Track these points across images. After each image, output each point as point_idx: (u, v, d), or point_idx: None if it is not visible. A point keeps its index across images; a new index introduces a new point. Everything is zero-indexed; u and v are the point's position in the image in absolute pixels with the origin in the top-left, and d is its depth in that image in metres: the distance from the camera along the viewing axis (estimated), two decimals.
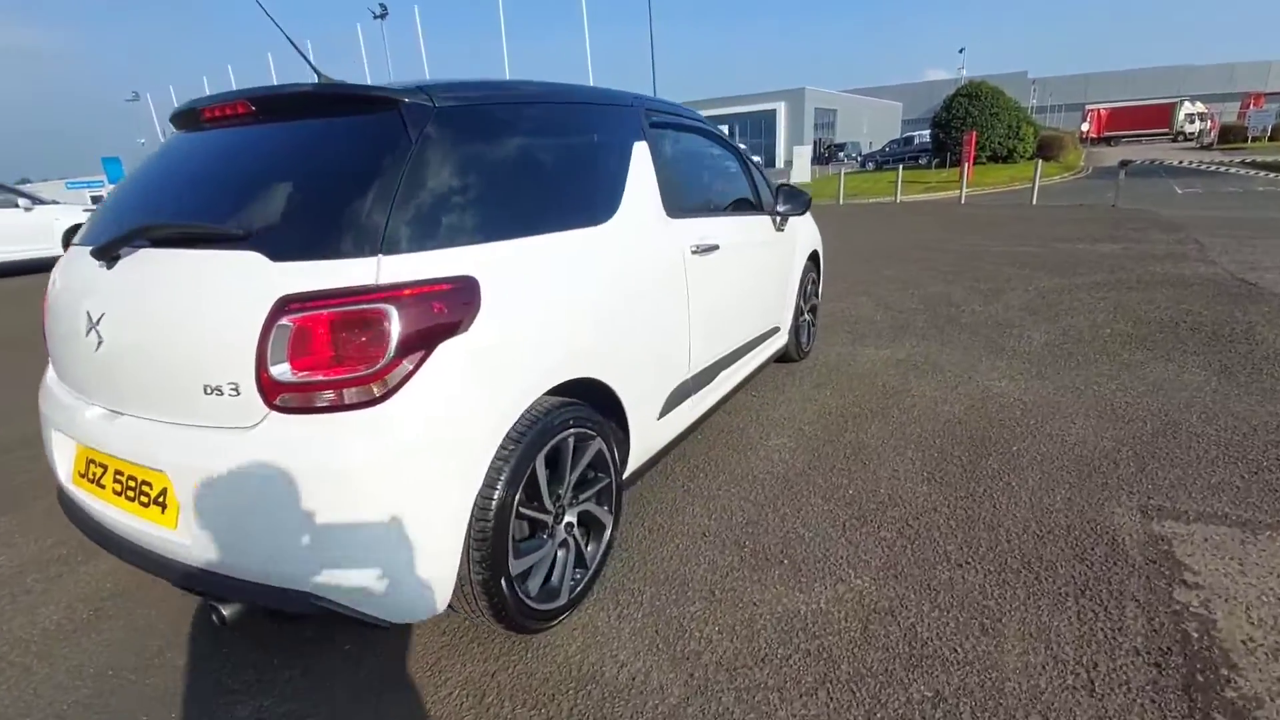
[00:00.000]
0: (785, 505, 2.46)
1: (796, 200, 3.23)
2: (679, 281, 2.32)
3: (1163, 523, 2.21)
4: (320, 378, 1.34)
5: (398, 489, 1.39)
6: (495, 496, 1.56)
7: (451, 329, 1.45)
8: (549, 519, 1.80)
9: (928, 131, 30.00)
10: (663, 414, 2.32)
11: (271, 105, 1.69)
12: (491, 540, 1.56)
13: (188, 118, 1.86)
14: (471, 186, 1.63)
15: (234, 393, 1.38)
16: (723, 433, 3.14)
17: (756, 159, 3.60)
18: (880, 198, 18.27)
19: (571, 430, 1.79)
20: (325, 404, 1.36)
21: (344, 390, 1.35)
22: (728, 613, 1.90)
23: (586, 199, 1.97)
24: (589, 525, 2.00)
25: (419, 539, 1.43)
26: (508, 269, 1.62)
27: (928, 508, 2.38)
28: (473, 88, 1.78)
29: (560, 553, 1.86)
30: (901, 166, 19.59)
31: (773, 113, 50.31)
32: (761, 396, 3.58)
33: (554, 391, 1.77)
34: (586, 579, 1.95)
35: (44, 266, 11.41)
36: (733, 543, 2.24)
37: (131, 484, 1.56)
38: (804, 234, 3.82)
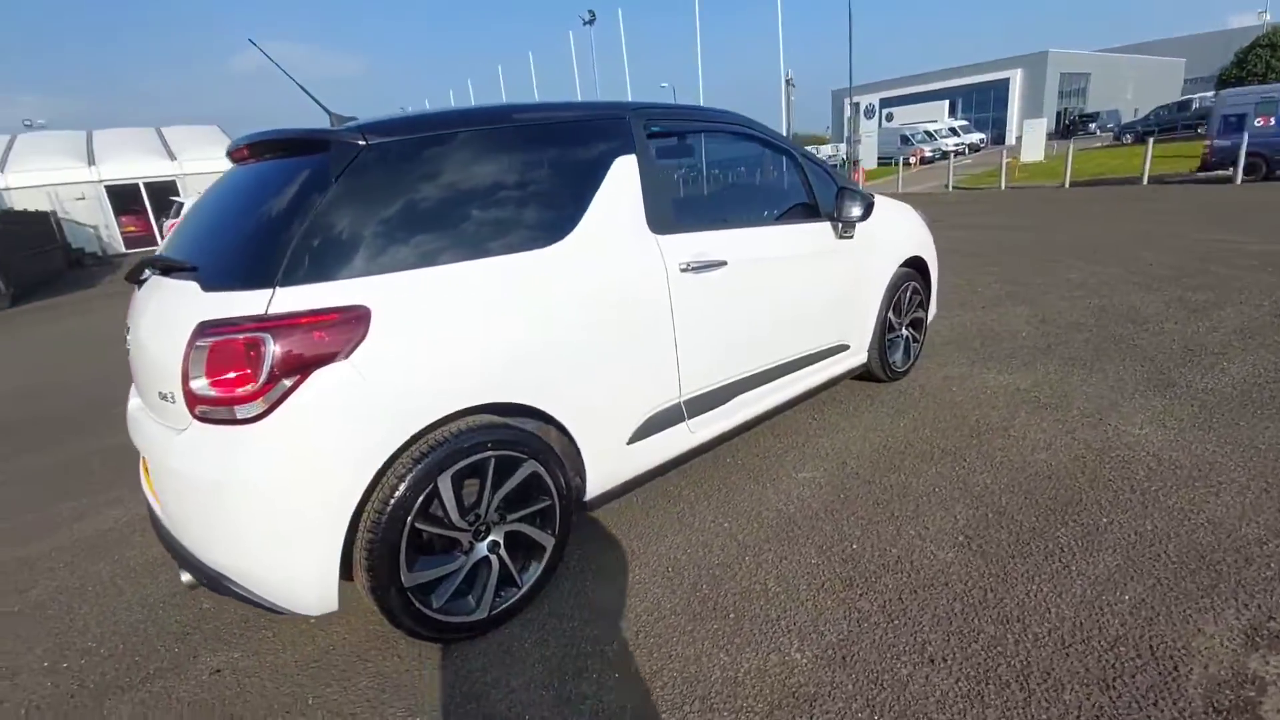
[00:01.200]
0: (771, 551, 2.22)
1: (854, 204, 2.84)
2: (659, 302, 2.19)
3: (1269, 658, 1.58)
4: (217, 394, 1.54)
5: (276, 497, 1.55)
6: (385, 511, 1.65)
7: (332, 356, 1.56)
8: (463, 536, 1.85)
9: (1211, 93, 23.87)
10: (637, 439, 2.23)
11: (256, 148, 1.94)
12: (379, 551, 1.66)
13: (229, 157, 2.22)
14: (384, 220, 1.72)
15: (173, 400, 1.64)
16: (755, 457, 2.91)
17: (822, 155, 3.22)
18: (1128, 175, 15.09)
19: (491, 453, 1.82)
20: (222, 418, 1.55)
21: (234, 407, 1.53)
22: (639, 661, 1.78)
23: (527, 223, 1.96)
24: (526, 546, 2.01)
25: (297, 542, 1.58)
26: (409, 298, 1.68)
27: (938, 581, 1.98)
28: (418, 122, 1.87)
29: (484, 570, 1.91)
30: (1151, 139, 15.92)
31: (1005, 82, 43.96)
32: (823, 419, 3.24)
33: (474, 412, 1.81)
34: (516, 598, 1.97)
35: None
36: (690, 584, 2.09)
37: (143, 459, 1.94)
38: (892, 238, 3.35)
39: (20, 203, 22.62)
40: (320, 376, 1.54)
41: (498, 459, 1.85)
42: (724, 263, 2.40)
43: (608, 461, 2.17)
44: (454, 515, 1.79)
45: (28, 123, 32.62)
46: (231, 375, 1.53)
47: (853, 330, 3.18)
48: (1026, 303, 5.06)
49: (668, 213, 2.29)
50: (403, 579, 1.71)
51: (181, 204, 13.76)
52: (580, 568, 2.23)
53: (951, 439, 2.90)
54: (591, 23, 38.20)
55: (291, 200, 1.68)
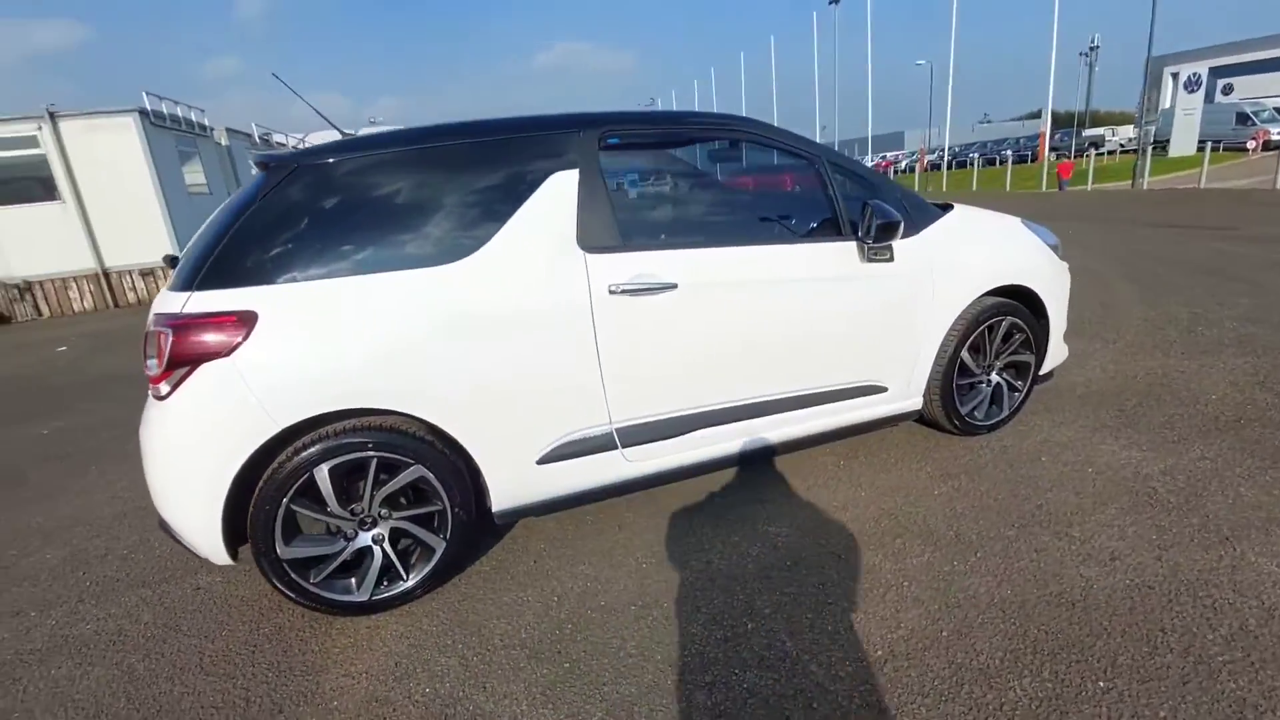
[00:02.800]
0: (659, 610, 2.02)
1: (879, 219, 2.34)
2: (578, 323, 2.11)
3: None
4: (150, 374, 1.90)
5: (175, 464, 1.88)
6: (262, 491, 1.89)
7: (219, 351, 1.82)
8: (345, 524, 2.03)
9: None
10: (551, 461, 2.19)
11: (259, 165, 2.31)
12: (258, 524, 1.91)
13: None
14: (295, 236, 1.93)
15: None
16: (733, 499, 2.63)
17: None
18: None
19: (372, 453, 1.96)
20: (154, 394, 1.92)
21: (155, 385, 1.88)
22: (452, 672, 1.80)
23: (433, 240, 2.02)
24: (416, 544, 2.13)
25: (190, 504, 1.90)
26: (297, 306, 1.88)
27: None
28: (352, 145, 2.05)
29: (367, 558, 2.07)
30: None
31: None
32: (842, 468, 2.79)
33: (352, 415, 1.97)
34: (399, 590, 2.10)
35: None
36: (559, 619, 2.01)
37: None
38: (968, 261, 2.70)
39: None
40: (207, 368, 1.82)
41: (379, 459, 1.98)
42: (673, 285, 2.20)
43: (512, 479, 2.17)
44: (333, 504, 1.98)
45: (372, 120, 41.65)
46: (153, 361, 1.88)
47: (893, 369, 2.66)
48: (1258, 354, 3.68)
49: (609, 230, 2.17)
50: (278, 551, 1.94)
51: None
52: (480, 579, 2.28)
53: (984, 523, 2.30)
54: (836, 1, 36.03)
55: (229, 214, 1.98)
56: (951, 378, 2.78)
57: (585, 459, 2.24)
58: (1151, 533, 2.15)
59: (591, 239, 2.14)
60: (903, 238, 2.53)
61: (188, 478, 1.88)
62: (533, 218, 2.10)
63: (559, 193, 2.13)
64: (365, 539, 2.07)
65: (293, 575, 1.99)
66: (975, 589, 1.96)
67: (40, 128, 10.24)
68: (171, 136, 11.67)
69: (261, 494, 1.89)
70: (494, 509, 2.20)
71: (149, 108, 10.93)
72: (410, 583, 2.12)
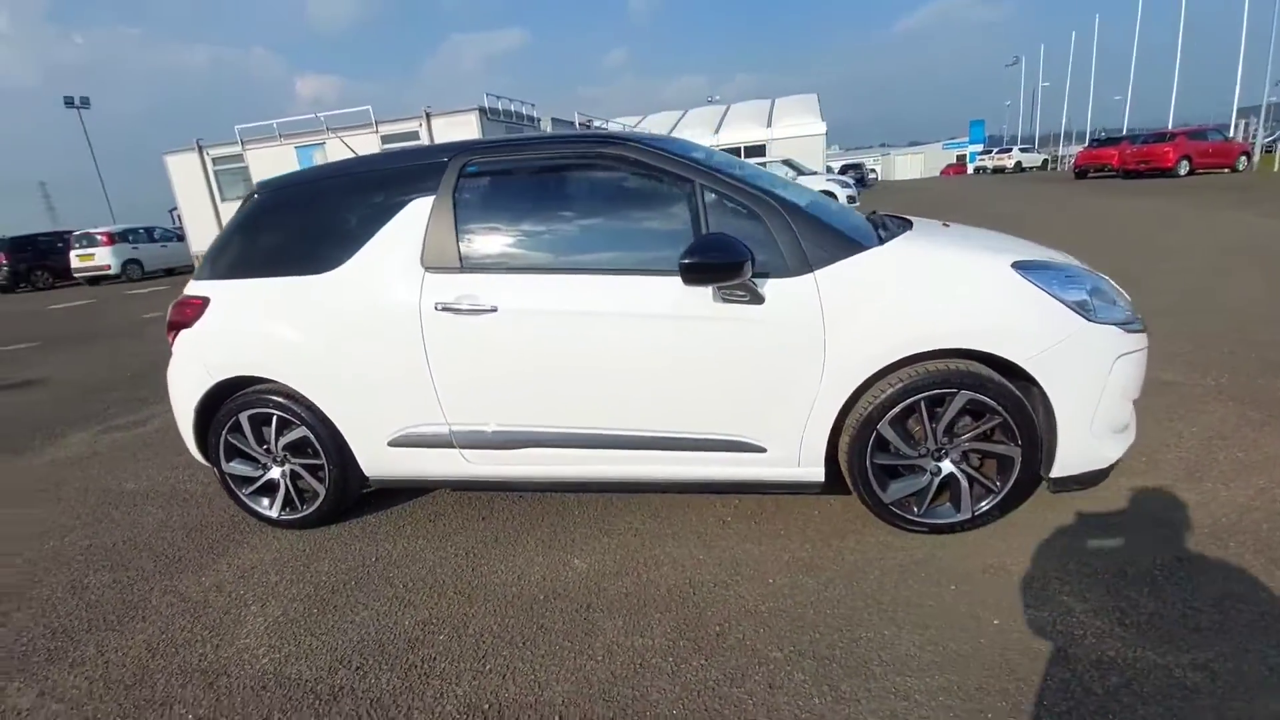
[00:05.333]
0: (415, 613, 2.26)
1: (692, 260, 2.03)
2: (410, 334, 2.40)
3: None
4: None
5: (173, 392, 2.80)
6: (212, 424, 2.72)
7: (187, 324, 2.66)
8: (264, 459, 2.75)
9: None
10: (399, 445, 2.56)
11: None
12: (213, 447, 2.75)
13: None
14: (239, 244, 2.68)
15: None
16: (568, 519, 2.61)
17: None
18: None
19: (274, 410, 2.64)
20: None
21: (170, 341, 2.83)
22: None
23: (304, 254, 2.54)
24: (310, 488, 2.76)
25: (180, 419, 2.81)
26: (227, 296, 2.62)
27: None
28: (297, 176, 2.71)
29: (279, 488, 2.77)
30: None
31: None
32: (731, 529, 2.50)
33: (257, 381, 2.64)
34: (296, 517, 2.77)
35: None
36: (298, 604, 2.42)
37: None
38: (879, 313, 2.10)
39: None
40: (183, 334, 2.69)
41: (278, 417, 2.64)
42: (493, 309, 2.32)
43: (370, 453, 2.62)
44: (251, 443, 2.72)
45: (710, 99, 44.30)
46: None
47: (771, 429, 2.27)
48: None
49: (448, 252, 2.38)
50: (223, 466, 2.77)
51: None
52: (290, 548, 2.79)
53: (751, 630, 1.90)
54: None
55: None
56: (865, 454, 2.23)
57: (429, 450, 2.56)
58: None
59: (432, 259, 2.40)
60: (785, 276, 2.14)
61: (176, 401, 2.81)
62: (388, 238, 2.45)
63: (414, 217, 2.43)
64: (276, 472, 2.77)
65: (231, 486, 2.81)
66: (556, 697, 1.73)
67: (420, 124, 13.96)
68: (502, 127, 14.64)
69: (213, 426, 2.73)
70: (366, 474, 2.69)
71: (486, 105, 13.91)
72: (305, 513, 2.77)
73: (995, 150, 47.48)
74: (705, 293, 2.17)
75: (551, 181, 2.51)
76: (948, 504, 2.28)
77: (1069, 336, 2.06)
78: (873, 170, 59.21)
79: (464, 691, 1.80)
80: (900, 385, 2.14)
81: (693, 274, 2.06)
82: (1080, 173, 24.83)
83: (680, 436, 2.34)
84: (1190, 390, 3.36)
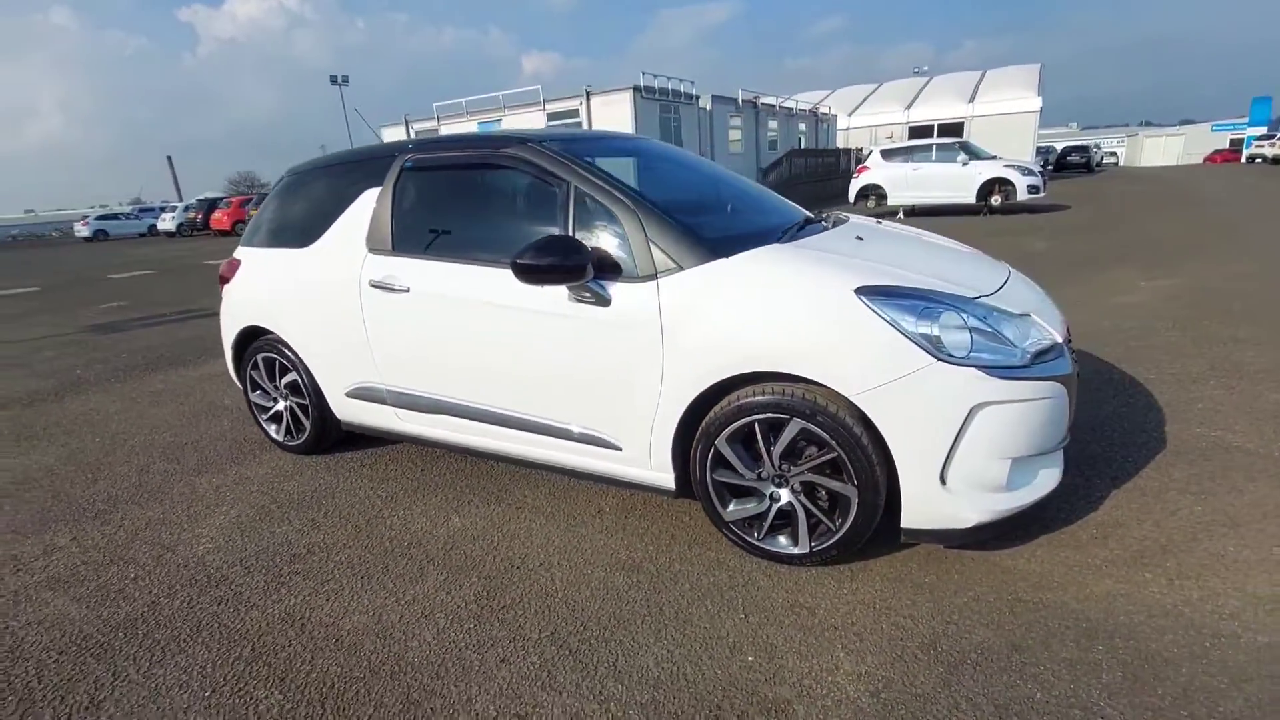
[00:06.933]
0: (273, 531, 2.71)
1: (522, 261, 2.13)
2: (354, 304, 2.82)
3: None
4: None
5: (223, 331, 3.55)
6: (242, 360, 3.42)
7: (228, 279, 3.36)
8: (274, 394, 3.38)
9: None
10: (353, 397, 3.03)
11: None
12: (244, 379, 3.47)
13: None
14: (260, 219, 3.29)
15: None
16: (463, 483, 2.86)
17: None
18: None
19: (275, 355, 3.26)
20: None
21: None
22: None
23: (298, 230, 3.04)
24: (297, 421, 3.35)
25: (228, 353, 3.56)
26: (253, 260, 3.27)
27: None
28: (294, 169, 3.24)
29: (285, 416, 3.40)
30: None
31: None
32: (601, 520, 2.60)
33: (258, 330, 3.27)
34: (293, 444, 3.39)
35: (960, 211, 14.08)
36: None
37: None
38: (712, 328, 2.05)
39: (855, 140, 29.81)
40: (228, 286, 3.40)
41: (279, 362, 3.26)
42: (407, 289, 2.64)
43: (336, 400, 3.11)
44: (265, 381, 3.37)
45: (916, 70, 40.50)
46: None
47: (624, 431, 2.32)
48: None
49: (385, 236, 2.74)
50: (249, 398, 3.48)
51: (873, 152, 15.66)
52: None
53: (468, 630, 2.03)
54: None
55: None
56: (706, 468, 2.21)
57: (373, 404, 2.99)
58: None
59: (373, 242, 2.78)
60: (633, 281, 2.18)
61: (224, 339, 3.55)
62: (347, 222, 2.88)
63: (365, 204, 2.83)
64: (281, 405, 3.40)
65: (253, 412, 3.52)
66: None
67: (580, 103, 14.77)
68: (656, 105, 14.94)
69: (243, 362, 3.43)
70: (337, 415, 3.21)
71: (641, 84, 14.28)
72: (298, 441, 3.37)
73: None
74: (562, 291, 2.28)
75: (464, 178, 2.74)
76: (784, 535, 2.17)
77: (910, 374, 1.85)
78: (1110, 154, 49.84)
79: (294, 604, 2.19)
80: (736, 404, 2.08)
81: (521, 273, 2.17)
82: None
83: (550, 424, 2.49)
84: (1255, 460, 2.67)
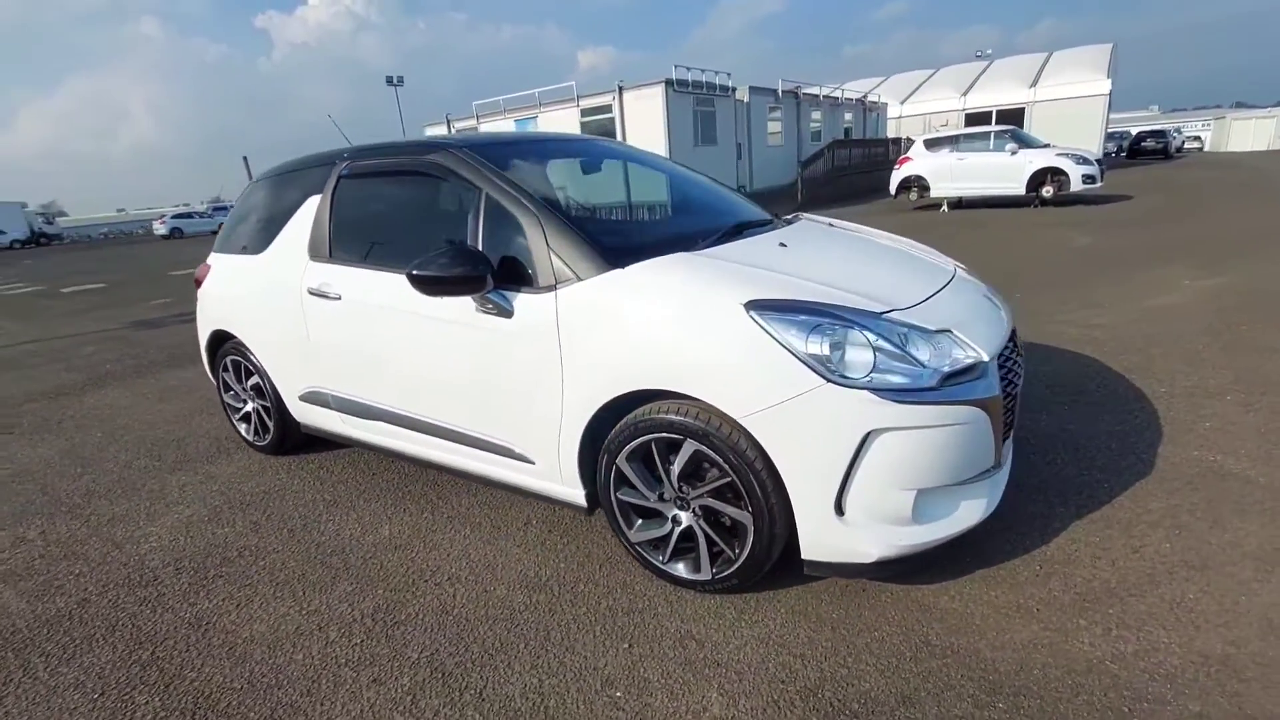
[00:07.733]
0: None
1: (416, 273, 2.09)
2: (296, 309, 2.85)
3: None
4: None
5: (199, 330, 3.67)
6: (214, 361, 3.54)
7: (200, 282, 3.47)
8: (243, 395, 3.48)
9: None
10: (306, 401, 3.08)
11: None
12: (217, 379, 3.58)
13: None
14: (232, 224, 3.38)
15: None
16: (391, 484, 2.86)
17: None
18: None
19: (239, 358, 3.35)
20: None
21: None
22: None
23: (255, 237, 3.10)
24: (264, 423, 3.43)
25: (203, 349, 3.69)
26: (220, 265, 3.36)
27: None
28: (270, 170, 3.29)
29: (253, 418, 3.50)
30: None
31: None
32: (524, 532, 2.55)
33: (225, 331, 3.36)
34: (260, 444, 3.48)
35: (1009, 203, 13.30)
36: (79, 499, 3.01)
37: None
38: (604, 341, 1.96)
39: (906, 129, 28.68)
40: (201, 289, 3.51)
41: (244, 365, 3.35)
42: (339, 297, 2.65)
43: (291, 401, 3.17)
44: (234, 383, 3.47)
45: (978, 54, 38.56)
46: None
47: (534, 444, 2.25)
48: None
49: (323, 244, 2.76)
50: (222, 398, 3.59)
51: (915, 142, 14.93)
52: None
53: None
54: None
55: None
56: (609, 487, 2.12)
57: (320, 409, 3.03)
58: None
59: (313, 250, 2.80)
60: (535, 292, 2.11)
61: (200, 340, 3.68)
62: (291, 230, 2.92)
63: (308, 211, 2.86)
64: (249, 406, 3.50)
65: (227, 412, 3.63)
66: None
67: (613, 98, 14.69)
68: (689, 99, 14.71)
69: (215, 362, 3.55)
70: (297, 419, 3.28)
71: (674, 78, 14.08)
72: (265, 442, 3.45)
73: None
74: (470, 301, 2.23)
75: (395, 186, 2.72)
76: (687, 559, 2.07)
77: (798, 396, 1.71)
78: (1194, 139, 45.96)
79: (206, 609, 2.23)
80: (632, 422, 1.99)
81: (416, 284, 2.12)
82: None
83: (470, 434, 2.45)
84: (1250, 491, 2.38)
